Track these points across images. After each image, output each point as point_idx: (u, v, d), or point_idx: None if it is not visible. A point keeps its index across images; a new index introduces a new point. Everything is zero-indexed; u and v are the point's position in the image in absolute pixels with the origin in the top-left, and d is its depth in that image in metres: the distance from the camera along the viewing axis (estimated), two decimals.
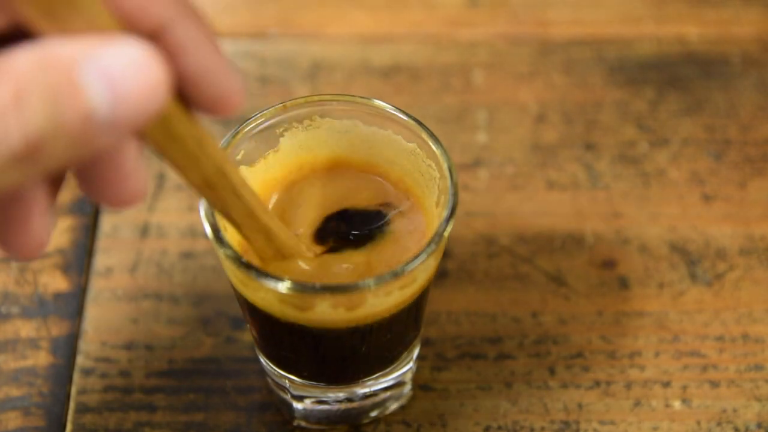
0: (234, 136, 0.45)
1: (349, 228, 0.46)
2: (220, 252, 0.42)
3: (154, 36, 0.33)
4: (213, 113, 0.35)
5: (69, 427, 0.51)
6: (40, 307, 0.55)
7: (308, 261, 0.45)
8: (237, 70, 0.35)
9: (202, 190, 0.38)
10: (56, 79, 0.28)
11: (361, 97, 0.47)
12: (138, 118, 0.30)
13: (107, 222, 0.59)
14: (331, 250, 0.46)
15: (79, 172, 0.33)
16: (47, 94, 0.28)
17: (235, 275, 0.44)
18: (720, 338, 0.54)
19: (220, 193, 0.38)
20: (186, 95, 0.34)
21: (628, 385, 0.53)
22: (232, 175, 0.38)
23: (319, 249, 0.45)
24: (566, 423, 0.51)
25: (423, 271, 0.43)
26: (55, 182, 0.36)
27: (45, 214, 0.34)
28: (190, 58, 0.33)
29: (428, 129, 0.45)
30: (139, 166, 0.34)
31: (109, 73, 0.29)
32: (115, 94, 0.29)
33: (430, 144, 0.45)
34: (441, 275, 0.56)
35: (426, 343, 0.54)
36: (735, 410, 0.52)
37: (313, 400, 0.50)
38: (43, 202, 0.34)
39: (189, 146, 0.35)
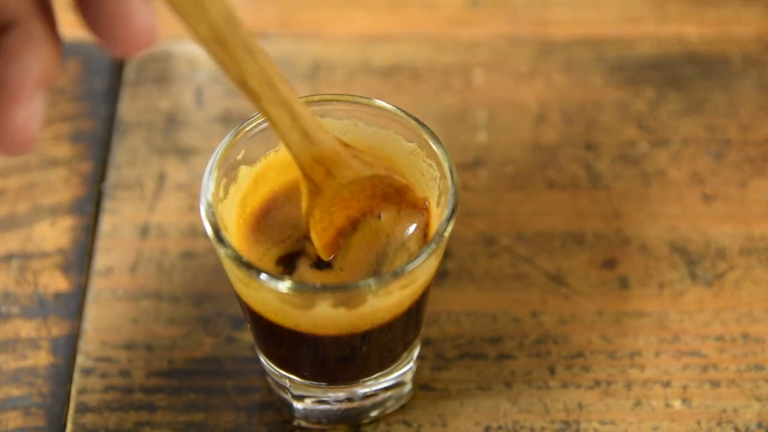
0: (234, 136, 0.45)
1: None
2: (221, 252, 0.42)
3: None
4: (116, 41, 0.33)
5: (69, 427, 0.51)
6: (40, 307, 0.55)
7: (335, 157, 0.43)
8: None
9: (212, 48, 0.36)
10: None
11: (361, 97, 0.47)
12: None
13: (107, 222, 0.59)
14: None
15: (85, 12, 0.33)
16: None
17: (235, 275, 0.44)
18: (720, 338, 0.54)
19: (232, 49, 0.36)
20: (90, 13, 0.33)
21: (628, 385, 0.53)
22: (242, 29, 0.36)
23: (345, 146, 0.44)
24: (566, 423, 0.51)
25: (423, 271, 0.43)
26: (44, 15, 0.34)
27: None
28: None
29: (428, 129, 0.45)
30: (145, 3, 0.33)
31: None
32: None
33: (431, 144, 0.45)
34: (441, 275, 0.56)
35: (426, 343, 0.54)
36: (735, 410, 0.52)
37: (313, 399, 0.50)
38: None
39: None
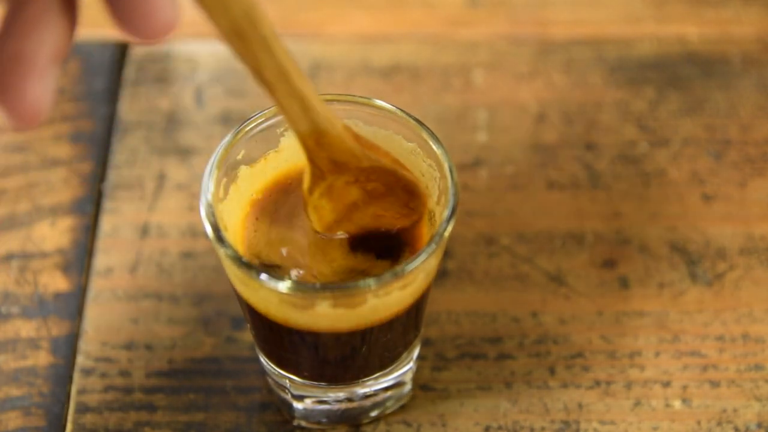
0: (234, 136, 0.45)
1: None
2: (220, 252, 0.42)
3: None
4: (135, 25, 0.34)
5: (69, 427, 0.51)
6: (40, 307, 0.55)
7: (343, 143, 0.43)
8: None
9: (231, 40, 0.36)
10: None
11: (361, 97, 0.47)
12: None
13: (107, 222, 0.59)
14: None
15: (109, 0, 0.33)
16: None
17: (235, 275, 0.44)
18: (720, 338, 0.54)
19: (251, 44, 0.37)
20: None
21: (628, 385, 0.53)
22: (262, 24, 0.37)
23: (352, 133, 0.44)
24: (566, 423, 0.51)
25: (423, 271, 0.43)
26: None
27: None
28: None
29: (428, 129, 0.45)
30: None
31: None
32: None
33: (431, 144, 0.45)
34: (441, 275, 0.56)
35: (426, 343, 0.54)
36: (735, 410, 0.52)
37: (313, 399, 0.50)
38: None
39: None
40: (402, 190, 0.45)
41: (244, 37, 0.37)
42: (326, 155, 0.43)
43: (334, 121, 0.42)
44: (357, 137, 0.44)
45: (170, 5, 0.33)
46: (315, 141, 0.42)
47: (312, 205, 0.45)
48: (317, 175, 0.44)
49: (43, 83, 0.34)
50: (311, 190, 0.44)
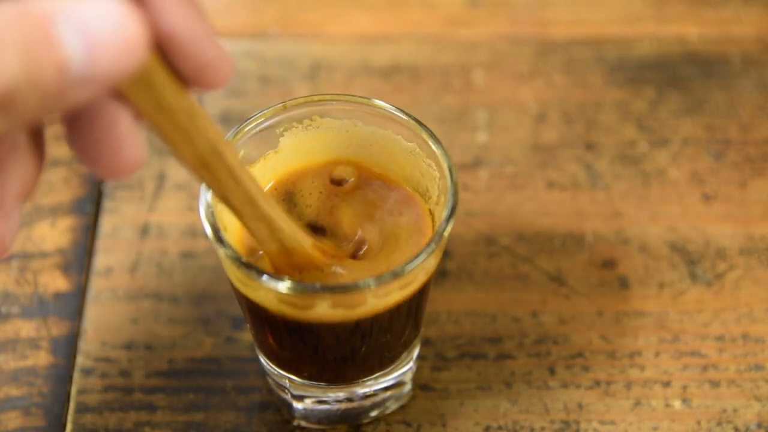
0: (234, 136, 0.45)
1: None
2: (220, 252, 0.42)
3: None
4: (201, 83, 0.34)
5: (69, 427, 0.51)
6: (40, 307, 0.55)
7: (316, 257, 0.44)
8: (221, 41, 0.34)
9: (198, 171, 0.37)
10: (31, 31, 0.28)
11: (361, 97, 0.47)
12: (114, 72, 0.30)
13: (107, 222, 0.59)
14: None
15: (74, 139, 0.33)
16: (22, 46, 0.28)
17: (235, 275, 0.44)
18: (720, 338, 0.54)
19: (216, 174, 0.37)
20: (172, 63, 0.33)
21: (628, 385, 0.53)
22: (227, 156, 0.37)
23: (324, 247, 0.45)
24: (566, 423, 0.51)
25: (423, 270, 0.43)
26: (36, 136, 0.35)
27: (27, 164, 0.34)
28: (171, 18, 0.33)
29: (428, 129, 0.46)
30: (133, 134, 0.33)
31: (85, 26, 0.29)
32: (90, 47, 0.29)
33: (430, 144, 0.45)
34: (441, 275, 0.56)
35: (426, 343, 0.54)
36: (735, 410, 0.52)
37: (313, 399, 0.50)
38: (24, 152, 0.33)
39: (180, 119, 0.34)
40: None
41: (210, 168, 0.37)
42: (292, 267, 0.44)
43: (303, 240, 0.43)
44: (326, 252, 0.44)
45: (136, 143, 0.33)
46: (284, 259, 0.43)
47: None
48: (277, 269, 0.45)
49: (8, 223, 0.34)
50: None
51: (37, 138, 0.34)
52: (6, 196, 0.34)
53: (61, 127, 0.33)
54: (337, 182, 0.47)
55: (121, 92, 0.33)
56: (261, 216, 0.41)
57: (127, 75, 0.30)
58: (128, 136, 0.33)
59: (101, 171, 0.33)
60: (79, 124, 0.33)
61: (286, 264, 0.43)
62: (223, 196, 0.39)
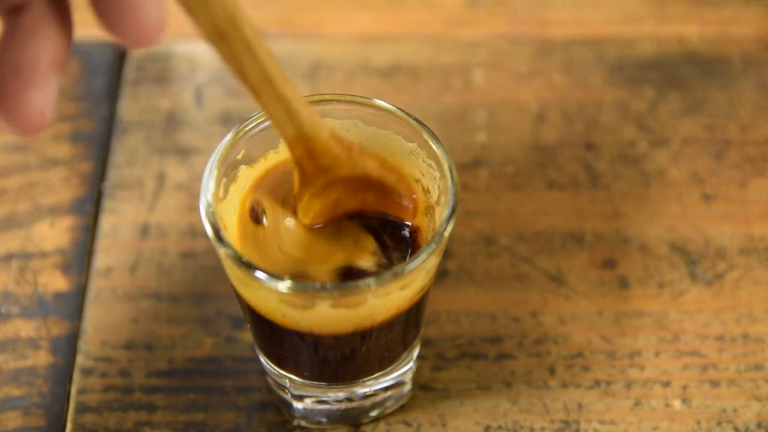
0: (234, 136, 0.45)
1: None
2: (220, 251, 0.42)
3: None
4: (131, 34, 0.34)
5: (69, 427, 0.51)
6: (40, 307, 0.55)
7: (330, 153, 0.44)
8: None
9: (215, 42, 0.37)
10: None
11: (361, 97, 0.47)
12: None
13: (107, 222, 0.59)
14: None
15: (98, 5, 0.33)
16: None
17: (235, 275, 0.44)
18: (720, 338, 0.54)
19: (233, 46, 0.37)
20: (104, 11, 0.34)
21: (628, 385, 0.53)
22: (244, 28, 0.37)
23: (341, 141, 0.44)
24: (566, 423, 0.51)
25: (423, 270, 0.43)
26: (59, 3, 0.35)
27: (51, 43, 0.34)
28: None
29: (428, 129, 0.45)
30: None
31: None
32: None
33: (431, 144, 0.45)
34: (441, 275, 0.56)
35: (426, 343, 0.54)
36: (735, 410, 0.52)
37: (313, 399, 0.50)
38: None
39: None
40: (387, 192, 0.46)
41: (227, 39, 0.37)
42: (312, 161, 0.43)
43: (320, 127, 0.43)
44: (344, 143, 0.44)
45: (157, 7, 0.34)
46: (301, 146, 0.43)
47: (302, 209, 0.45)
48: (304, 181, 0.44)
49: (45, 91, 0.34)
50: (300, 197, 0.45)
51: (60, 5, 0.34)
52: (41, 63, 0.34)
53: None
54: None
55: None
56: (278, 96, 0.40)
57: None
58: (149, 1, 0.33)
59: (125, 37, 0.34)
60: None
61: (302, 150, 0.43)
62: (240, 73, 0.39)
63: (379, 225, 0.46)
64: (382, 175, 0.45)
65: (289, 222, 0.46)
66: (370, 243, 0.45)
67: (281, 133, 0.42)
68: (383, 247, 0.45)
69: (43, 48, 0.34)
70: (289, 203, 0.46)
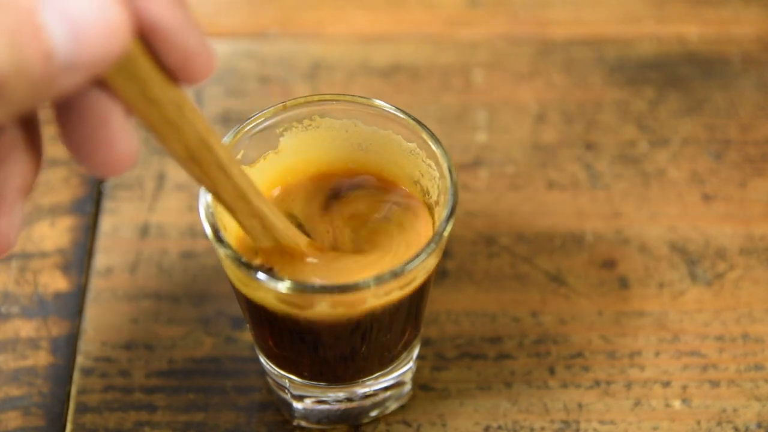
0: (234, 136, 0.45)
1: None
2: (220, 252, 0.42)
3: None
4: (184, 75, 0.34)
5: (69, 427, 0.51)
6: (40, 307, 0.55)
7: (312, 254, 0.44)
8: (204, 34, 0.35)
9: (188, 165, 0.37)
10: (17, 20, 0.29)
11: (361, 97, 0.47)
12: (99, 58, 0.30)
13: (107, 222, 0.59)
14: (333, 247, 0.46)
15: (68, 136, 0.33)
16: (8, 34, 0.28)
17: (235, 275, 0.44)
18: (720, 338, 0.54)
19: (206, 168, 0.38)
20: (156, 54, 0.34)
21: (628, 385, 0.53)
22: (217, 149, 0.37)
23: (321, 245, 0.45)
24: (566, 423, 0.51)
25: (423, 270, 0.43)
26: (32, 131, 0.35)
27: (21, 160, 0.34)
28: (154, 7, 0.33)
29: (428, 129, 0.46)
30: (126, 128, 0.33)
31: (69, 13, 0.29)
32: (75, 33, 0.29)
33: (430, 144, 0.45)
34: (441, 275, 0.56)
35: (426, 343, 0.54)
36: (735, 410, 0.52)
37: (313, 399, 0.50)
38: (20, 144, 0.34)
39: (168, 111, 0.35)
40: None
41: (200, 161, 0.37)
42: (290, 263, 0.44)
43: (297, 239, 0.44)
44: (323, 248, 0.45)
45: (129, 138, 0.34)
46: (277, 253, 0.43)
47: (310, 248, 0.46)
48: (293, 253, 0.45)
49: (11, 217, 0.34)
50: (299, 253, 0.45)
51: (33, 133, 0.35)
52: (8, 191, 0.34)
53: (55, 125, 0.34)
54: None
55: (109, 85, 0.33)
56: (253, 212, 0.41)
57: (111, 61, 0.30)
58: (121, 131, 0.33)
59: (96, 167, 0.34)
60: (72, 120, 0.33)
61: (280, 258, 0.44)
62: (214, 191, 0.39)
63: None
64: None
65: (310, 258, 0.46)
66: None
67: (258, 244, 0.43)
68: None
69: (12, 174, 0.34)
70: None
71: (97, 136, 0.33)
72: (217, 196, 0.40)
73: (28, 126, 0.35)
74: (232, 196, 0.40)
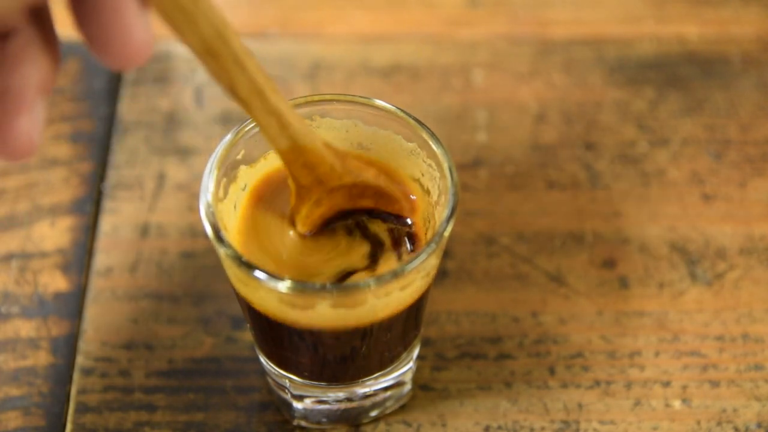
0: (234, 136, 0.45)
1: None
2: (220, 251, 0.42)
3: None
4: (115, 53, 0.34)
5: (69, 427, 0.51)
6: (40, 307, 0.55)
7: (327, 155, 0.44)
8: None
9: (205, 59, 0.37)
10: None
11: (361, 97, 0.47)
12: None
13: (107, 222, 0.59)
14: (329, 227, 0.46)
15: (82, 25, 0.33)
16: None
17: (235, 275, 0.44)
18: (720, 338, 0.54)
19: (223, 61, 0.37)
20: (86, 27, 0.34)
21: (628, 385, 0.53)
22: (233, 42, 0.37)
23: (336, 149, 0.45)
24: (566, 423, 0.51)
25: (423, 270, 0.43)
26: (41, 24, 0.35)
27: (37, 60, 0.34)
28: None
29: (428, 129, 0.46)
30: (140, 17, 0.33)
31: None
32: None
33: (431, 144, 0.45)
34: (441, 275, 0.56)
35: (426, 343, 0.54)
36: (735, 410, 0.52)
37: (313, 399, 0.50)
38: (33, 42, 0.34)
39: (183, 2, 0.35)
40: (383, 199, 0.46)
41: (216, 55, 0.37)
42: (308, 172, 0.44)
43: (314, 137, 0.43)
44: (338, 153, 0.44)
45: (143, 27, 0.34)
46: (295, 158, 0.43)
47: (300, 220, 0.45)
48: (300, 192, 0.44)
49: (33, 116, 0.34)
50: (297, 209, 0.45)
51: (47, 31, 0.35)
52: (27, 90, 0.34)
53: (71, 16, 0.33)
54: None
55: None
56: (270, 109, 0.40)
57: None
58: (136, 20, 0.33)
59: (112, 58, 0.34)
60: (86, 9, 0.33)
61: (297, 161, 0.43)
62: (230, 88, 0.39)
63: (378, 227, 0.46)
64: (378, 182, 0.45)
65: (290, 233, 0.46)
66: (367, 247, 0.46)
67: (275, 145, 0.42)
68: (380, 248, 0.46)
69: (30, 73, 0.34)
70: (286, 214, 0.46)
71: (112, 25, 0.33)
72: (234, 93, 0.39)
73: (42, 24, 0.34)
74: (249, 93, 0.39)
